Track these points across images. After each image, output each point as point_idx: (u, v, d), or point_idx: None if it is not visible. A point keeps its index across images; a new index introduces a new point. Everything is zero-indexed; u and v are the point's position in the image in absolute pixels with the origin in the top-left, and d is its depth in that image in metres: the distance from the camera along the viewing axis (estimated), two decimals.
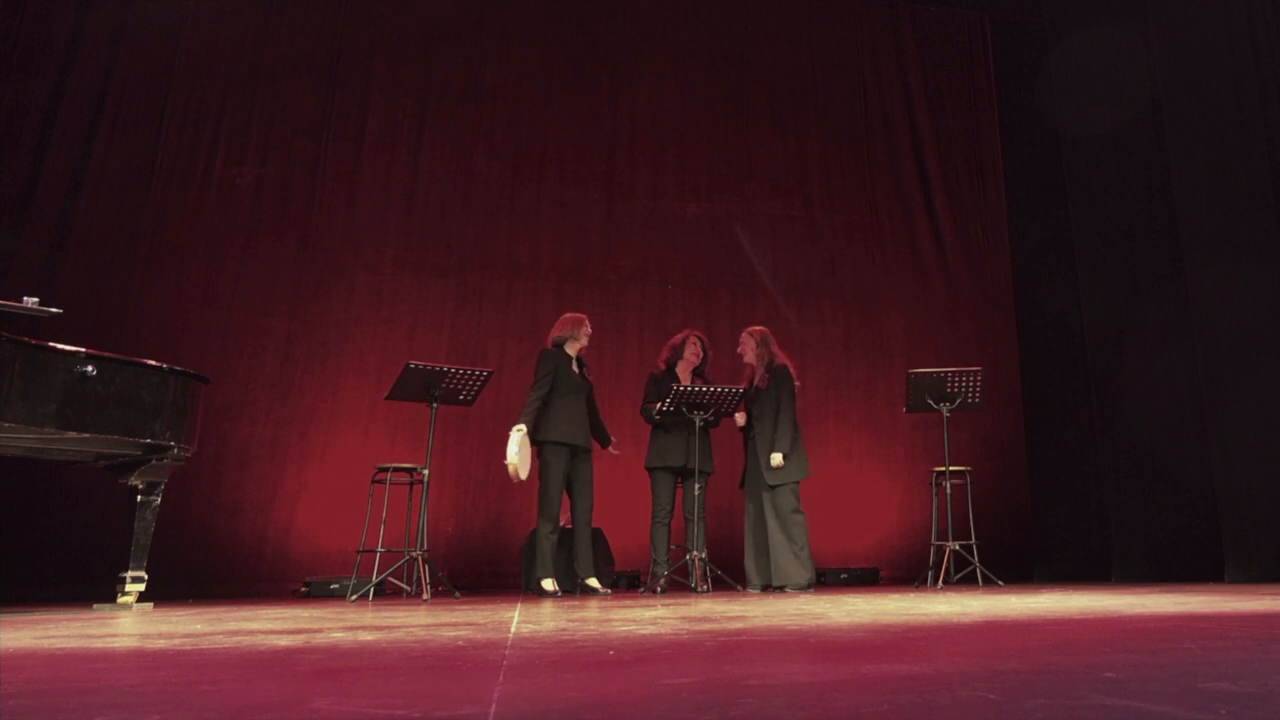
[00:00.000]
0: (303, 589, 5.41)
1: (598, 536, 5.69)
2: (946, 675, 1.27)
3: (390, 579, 4.95)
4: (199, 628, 2.52)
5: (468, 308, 6.69)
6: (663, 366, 5.39)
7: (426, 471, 4.85)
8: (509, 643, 1.88)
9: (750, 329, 5.40)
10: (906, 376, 5.47)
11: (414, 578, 4.83)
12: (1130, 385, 5.87)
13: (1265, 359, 4.74)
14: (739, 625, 2.29)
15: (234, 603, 4.55)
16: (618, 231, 7.09)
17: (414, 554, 4.74)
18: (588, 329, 5.25)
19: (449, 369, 4.91)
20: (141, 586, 4.00)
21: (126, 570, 3.98)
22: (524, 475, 4.76)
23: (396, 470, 5.21)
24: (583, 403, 5.14)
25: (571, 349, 5.19)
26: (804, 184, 7.50)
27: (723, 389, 5.03)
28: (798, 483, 5.01)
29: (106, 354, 3.78)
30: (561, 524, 5.73)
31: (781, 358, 5.25)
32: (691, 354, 5.33)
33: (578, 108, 7.26)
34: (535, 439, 4.90)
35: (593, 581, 4.92)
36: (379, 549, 4.99)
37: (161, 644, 2.01)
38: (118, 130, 6.31)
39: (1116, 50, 6.03)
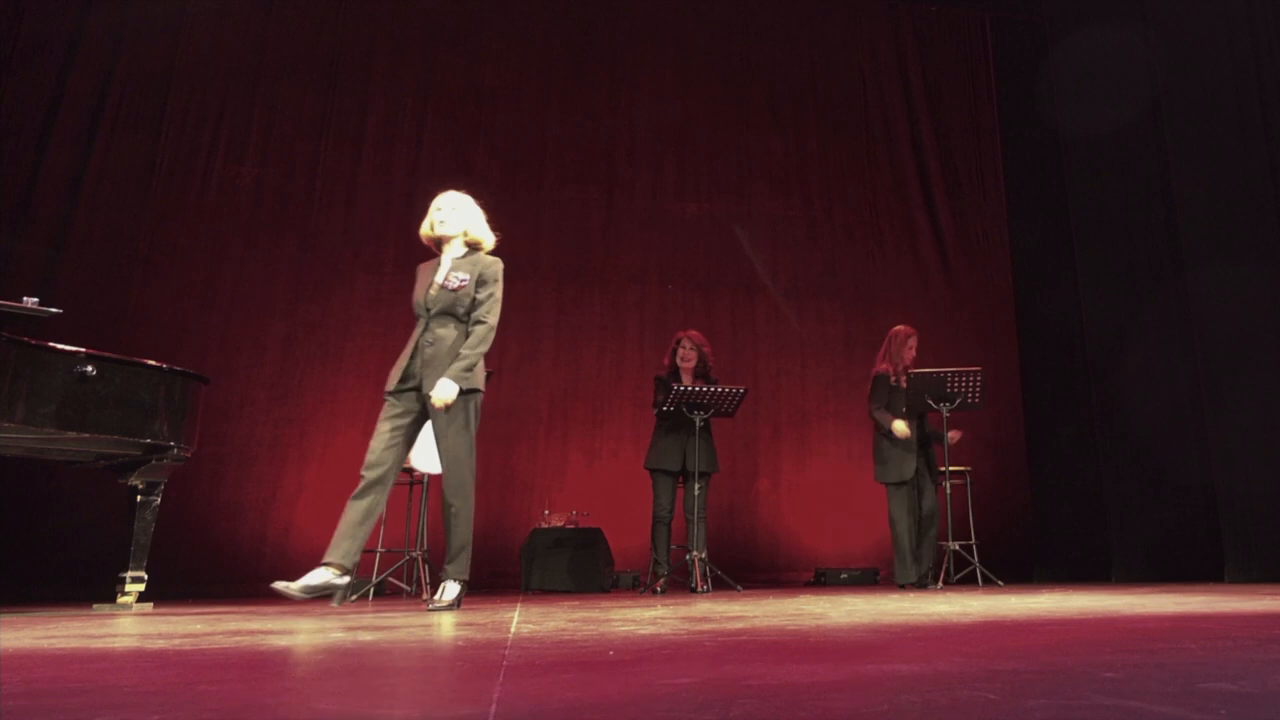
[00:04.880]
0: None
1: (598, 536, 5.69)
2: (946, 675, 1.27)
3: (390, 579, 4.95)
4: (199, 628, 2.52)
5: None
6: (666, 367, 5.39)
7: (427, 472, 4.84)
8: (509, 643, 1.88)
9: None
10: (907, 376, 5.47)
11: (414, 578, 4.83)
12: (1130, 385, 5.87)
13: (1265, 359, 4.75)
14: (739, 625, 2.29)
15: (234, 603, 4.55)
16: (618, 231, 7.09)
17: (414, 554, 4.74)
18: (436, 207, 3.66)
19: None
20: (141, 586, 4.00)
21: (126, 570, 3.98)
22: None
23: None
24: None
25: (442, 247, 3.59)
26: (804, 184, 7.50)
27: (723, 389, 5.02)
28: None
29: (106, 354, 3.78)
30: (566, 524, 5.74)
31: None
32: (683, 356, 5.31)
33: (578, 108, 7.26)
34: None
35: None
36: (379, 549, 4.99)
37: (161, 644, 2.00)
38: (118, 130, 6.31)
39: (1116, 50, 6.04)
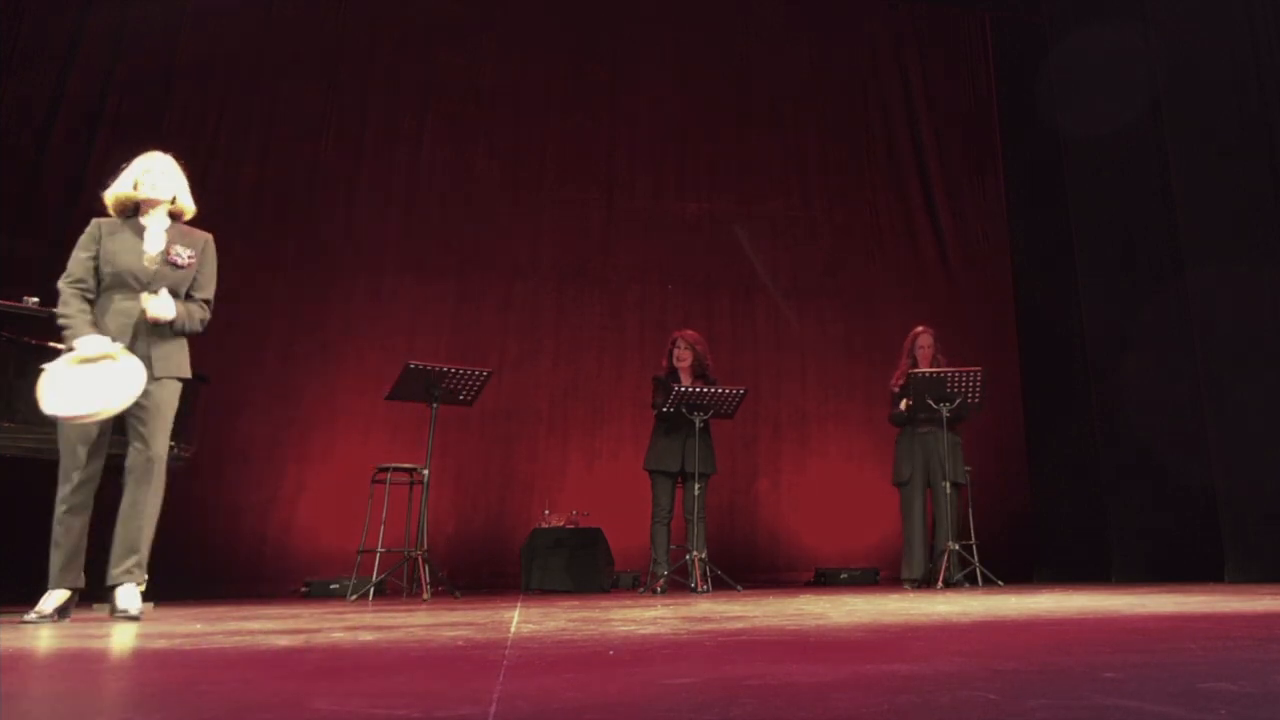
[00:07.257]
0: (303, 589, 5.41)
1: (598, 536, 5.69)
2: (946, 675, 1.27)
3: (390, 579, 4.95)
4: (199, 628, 2.52)
5: (468, 308, 6.69)
6: (665, 368, 5.39)
7: (426, 471, 4.85)
8: (509, 643, 1.88)
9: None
10: (907, 376, 5.47)
11: (414, 578, 4.83)
12: (1130, 385, 5.86)
13: (1266, 359, 4.74)
14: (739, 625, 2.29)
15: (234, 603, 4.55)
16: (618, 231, 7.10)
17: (414, 554, 4.74)
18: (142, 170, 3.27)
19: (449, 369, 4.92)
20: (142, 587, 3.99)
21: None
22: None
23: (396, 470, 5.21)
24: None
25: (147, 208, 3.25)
26: (804, 183, 7.50)
27: (723, 390, 5.02)
28: None
29: None
30: (566, 524, 5.74)
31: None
32: (678, 356, 5.31)
33: (578, 108, 7.27)
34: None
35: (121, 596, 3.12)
36: (379, 549, 4.99)
37: (161, 644, 2.00)
38: (118, 130, 6.31)
39: (1116, 50, 6.03)
